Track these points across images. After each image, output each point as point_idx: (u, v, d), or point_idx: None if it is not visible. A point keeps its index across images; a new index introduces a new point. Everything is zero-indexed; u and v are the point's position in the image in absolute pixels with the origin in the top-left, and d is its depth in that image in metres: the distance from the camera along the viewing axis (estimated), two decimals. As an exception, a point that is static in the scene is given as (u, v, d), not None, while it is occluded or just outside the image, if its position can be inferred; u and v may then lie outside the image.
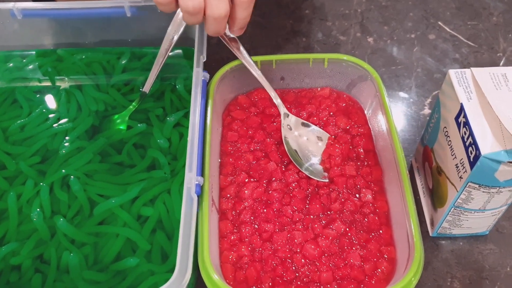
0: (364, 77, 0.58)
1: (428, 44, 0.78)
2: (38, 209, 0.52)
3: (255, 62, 0.58)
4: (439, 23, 0.81)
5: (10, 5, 0.60)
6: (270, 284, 0.47)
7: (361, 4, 0.84)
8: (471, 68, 0.50)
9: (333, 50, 0.78)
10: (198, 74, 0.54)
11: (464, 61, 0.76)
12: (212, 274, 0.43)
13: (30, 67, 0.66)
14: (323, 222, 0.51)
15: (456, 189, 0.50)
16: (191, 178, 0.47)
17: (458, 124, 0.49)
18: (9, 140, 0.58)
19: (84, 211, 0.53)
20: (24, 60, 0.66)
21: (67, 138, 0.58)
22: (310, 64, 0.59)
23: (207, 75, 0.55)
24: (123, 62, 0.64)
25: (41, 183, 0.54)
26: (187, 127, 0.57)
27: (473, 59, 0.76)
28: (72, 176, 0.55)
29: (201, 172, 0.49)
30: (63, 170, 0.55)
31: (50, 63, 0.66)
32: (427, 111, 0.70)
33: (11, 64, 0.66)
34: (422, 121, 0.69)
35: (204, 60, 0.56)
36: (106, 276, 0.50)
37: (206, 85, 0.56)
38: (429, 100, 0.72)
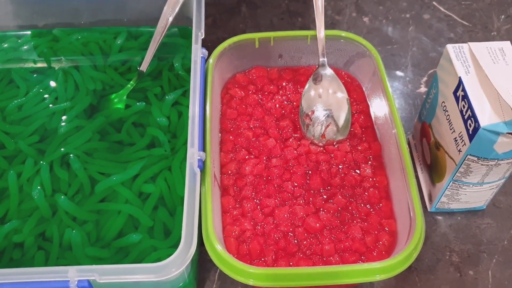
0: (362, 54, 0.59)
1: (423, 24, 0.79)
2: (38, 187, 0.52)
3: (253, 39, 0.58)
4: (434, 3, 0.82)
5: (4, -17, 0.59)
6: (273, 257, 0.48)
7: (356, -16, 0.84)
8: (469, 43, 0.51)
9: (328, 29, 0.78)
10: (197, 51, 0.54)
11: (459, 41, 0.76)
12: (216, 246, 0.44)
13: (26, 47, 0.65)
14: (324, 196, 0.52)
15: (455, 163, 0.50)
16: (193, 153, 0.47)
17: (457, 98, 0.49)
18: (7, 120, 0.58)
19: (84, 189, 0.53)
20: (20, 41, 0.66)
21: (64, 117, 0.58)
22: (308, 41, 0.59)
23: (206, 52, 0.55)
24: (120, 41, 0.64)
25: (41, 162, 0.54)
26: (186, 106, 0.58)
27: (468, 38, 0.76)
28: (71, 155, 0.55)
29: (203, 148, 0.49)
30: (62, 149, 0.55)
31: (46, 43, 0.65)
32: (423, 89, 0.71)
33: (6, 45, 0.65)
34: (418, 99, 0.69)
35: (202, 37, 0.56)
36: (109, 253, 0.50)
37: (205, 62, 0.56)
38: (425, 78, 0.72)
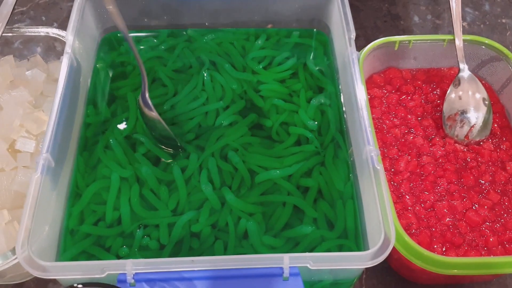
0: (496, 58, 0.62)
1: (520, 29, 0.82)
2: (207, 181, 0.55)
3: (394, 42, 0.61)
4: (527, 8, 0.85)
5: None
6: (444, 248, 0.51)
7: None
8: None
9: (432, 33, 0.81)
10: (353, 54, 0.57)
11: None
12: (407, 238, 0.47)
13: (163, 47, 0.67)
14: (478, 192, 0.55)
15: None
16: (371, 151, 0.50)
17: None
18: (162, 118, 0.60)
19: (245, 182, 0.56)
20: (155, 40, 0.68)
21: (219, 116, 0.60)
22: (444, 44, 0.62)
23: (358, 54, 0.58)
24: (260, 42, 0.67)
25: (207, 155, 0.57)
26: (327, 105, 0.61)
27: None
28: (230, 151, 0.57)
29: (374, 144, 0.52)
30: (221, 141, 0.58)
31: (182, 43, 0.68)
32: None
33: (142, 47, 0.67)
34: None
35: (354, 37, 0.59)
36: (280, 242, 0.53)
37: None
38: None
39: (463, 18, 0.83)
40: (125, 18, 0.63)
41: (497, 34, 0.82)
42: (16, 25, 0.76)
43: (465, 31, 0.82)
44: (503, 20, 0.84)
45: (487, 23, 0.83)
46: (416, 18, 0.83)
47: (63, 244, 0.51)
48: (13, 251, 0.48)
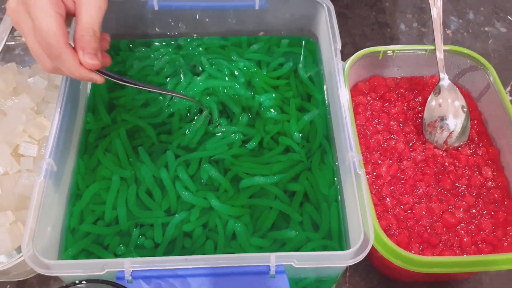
0: (475, 68, 0.65)
1: (501, 37, 0.86)
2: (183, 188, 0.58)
3: (378, 52, 0.65)
4: (509, 17, 0.89)
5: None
6: (421, 248, 0.55)
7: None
8: None
9: (417, 41, 0.85)
10: (339, 64, 0.60)
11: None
12: (385, 238, 0.50)
13: (152, 55, 0.71)
14: (454, 195, 0.59)
15: None
16: (353, 157, 0.53)
17: None
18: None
19: (233, 187, 0.59)
20: (147, 49, 0.71)
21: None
22: (426, 54, 0.66)
23: (344, 64, 0.61)
24: (256, 47, 0.71)
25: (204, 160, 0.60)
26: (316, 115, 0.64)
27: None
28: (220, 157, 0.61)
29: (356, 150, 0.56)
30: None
31: (173, 50, 0.71)
32: (508, 97, 0.78)
33: (136, 54, 0.71)
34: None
35: (339, 48, 0.62)
36: (267, 243, 0.56)
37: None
38: (508, 88, 0.79)
39: (448, 26, 0.87)
40: (119, 25, 0.67)
41: (480, 42, 0.85)
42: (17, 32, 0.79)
43: (449, 39, 0.85)
44: (486, 29, 0.87)
45: (471, 31, 0.87)
46: (402, 26, 0.87)
47: (64, 242, 0.55)
48: (18, 250, 0.52)
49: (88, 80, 0.49)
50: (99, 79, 0.49)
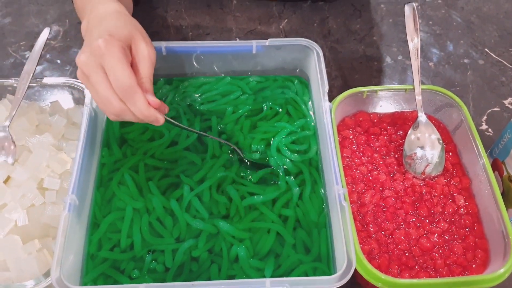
0: (450, 104, 0.73)
1: (479, 69, 0.93)
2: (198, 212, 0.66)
3: (363, 91, 0.72)
4: (486, 50, 0.96)
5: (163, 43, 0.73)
6: (399, 270, 0.62)
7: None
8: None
9: (401, 73, 0.92)
10: (326, 106, 0.68)
11: (510, 84, 0.91)
12: (366, 263, 0.58)
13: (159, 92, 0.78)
14: (430, 222, 0.66)
15: (533, 195, 0.65)
16: (339, 190, 0.61)
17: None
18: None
19: (239, 210, 0.67)
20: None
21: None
22: (406, 92, 0.74)
23: (331, 105, 0.69)
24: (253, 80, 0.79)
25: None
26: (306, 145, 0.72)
27: (518, 82, 0.91)
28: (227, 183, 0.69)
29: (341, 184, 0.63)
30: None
31: (174, 90, 0.78)
32: (484, 126, 0.85)
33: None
34: (481, 136, 0.83)
35: (327, 90, 0.70)
36: (265, 264, 0.63)
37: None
38: (484, 117, 0.87)
39: (430, 59, 0.95)
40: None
41: (459, 73, 0.93)
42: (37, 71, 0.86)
43: (431, 71, 0.93)
44: (465, 61, 0.95)
45: (451, 63, 0.94)
46: (388, 59, 0.94)
47: (85, 267, 0.62)
48: (45, 275, 0.59)
49: (153, 119, 0.57)
50: (162, 119, 0.58)
